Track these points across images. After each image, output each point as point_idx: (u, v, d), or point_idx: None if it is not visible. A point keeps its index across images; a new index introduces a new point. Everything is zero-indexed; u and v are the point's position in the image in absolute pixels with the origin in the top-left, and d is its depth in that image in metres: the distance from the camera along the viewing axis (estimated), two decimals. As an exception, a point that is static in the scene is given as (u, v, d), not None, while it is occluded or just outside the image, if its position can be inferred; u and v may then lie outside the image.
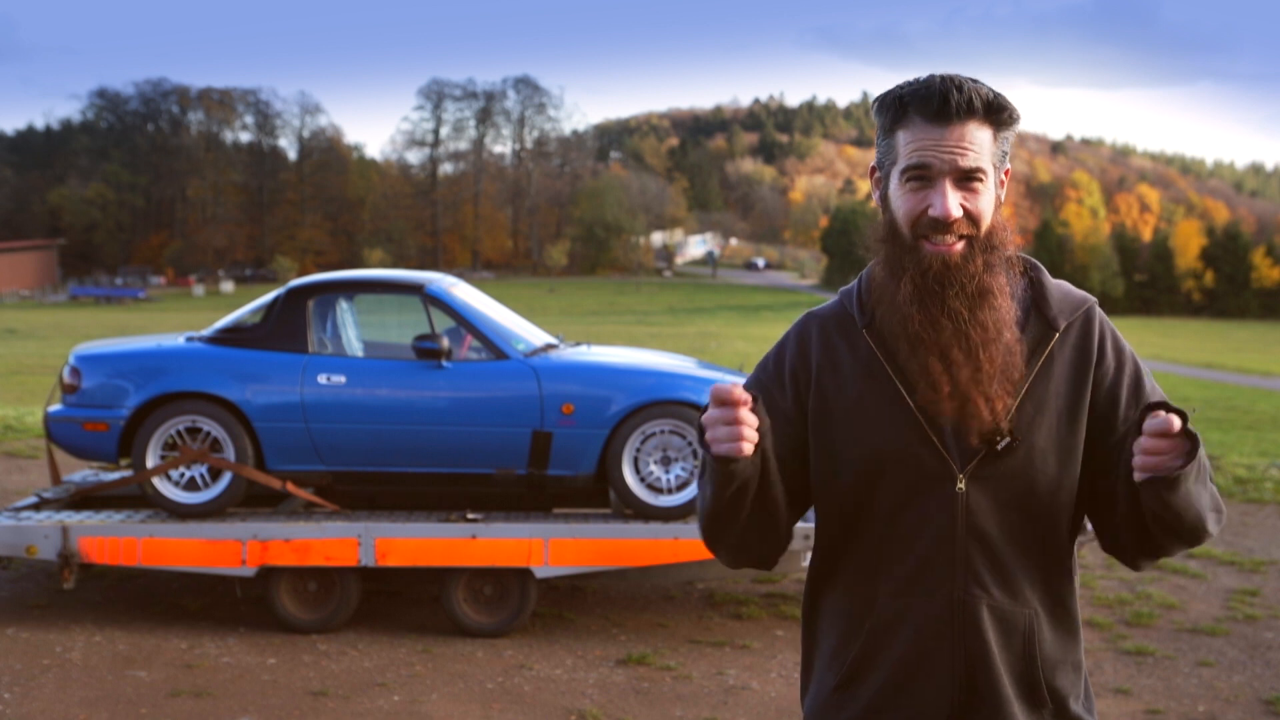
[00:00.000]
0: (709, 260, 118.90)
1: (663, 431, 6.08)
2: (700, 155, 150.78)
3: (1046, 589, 1.76)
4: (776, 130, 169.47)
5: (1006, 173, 1.78)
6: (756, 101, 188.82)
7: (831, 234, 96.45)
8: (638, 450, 6.09)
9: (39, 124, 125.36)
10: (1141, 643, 5.98)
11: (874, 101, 1.77)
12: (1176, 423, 1.55)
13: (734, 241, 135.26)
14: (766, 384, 1.85)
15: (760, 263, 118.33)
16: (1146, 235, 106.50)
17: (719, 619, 6.42)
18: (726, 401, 1.61)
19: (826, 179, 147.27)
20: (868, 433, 1.75)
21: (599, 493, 6.66)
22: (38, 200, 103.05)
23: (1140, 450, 1.58)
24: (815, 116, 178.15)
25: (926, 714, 1.73)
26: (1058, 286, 1.81)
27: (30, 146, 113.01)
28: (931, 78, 1.71)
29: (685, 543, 6.00)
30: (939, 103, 1.67)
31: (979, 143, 1.69)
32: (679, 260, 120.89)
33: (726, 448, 1.63)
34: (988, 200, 1.72)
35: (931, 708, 1.73)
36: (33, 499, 6.61)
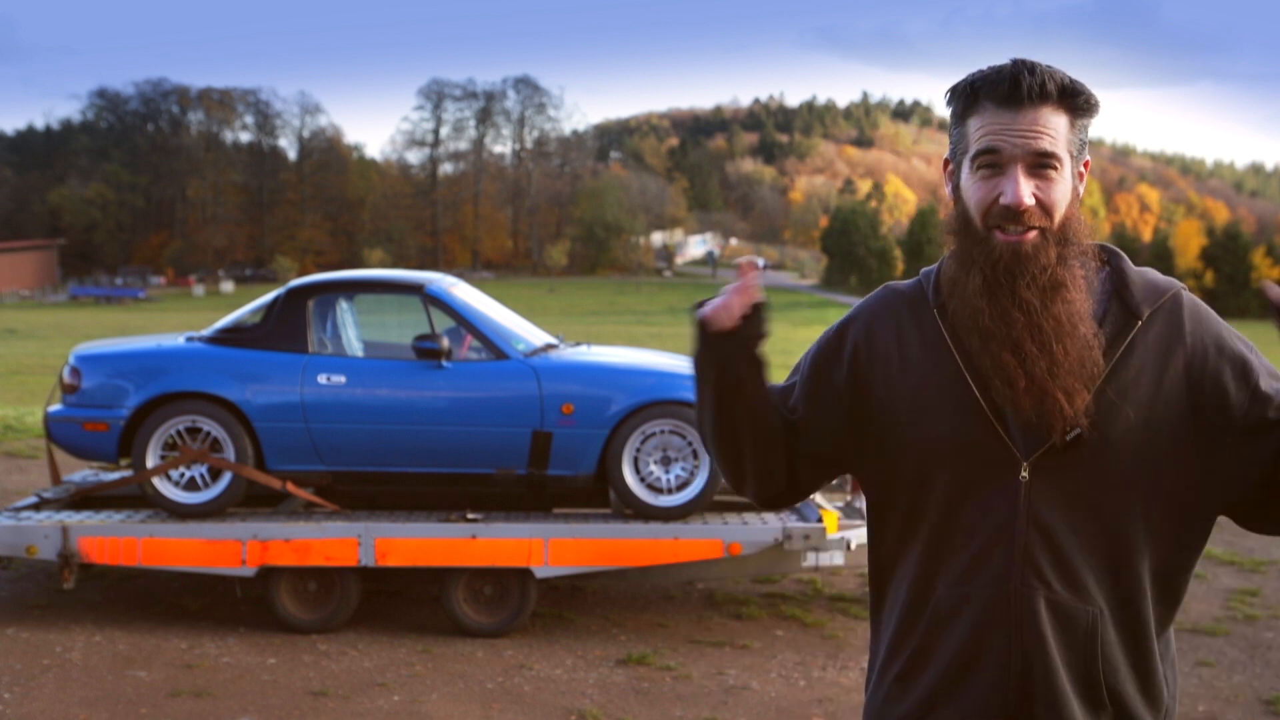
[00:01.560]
0: (709, 260, 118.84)
1: (663, 431, 6.08)
2: (700, 155, 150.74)
3: (1114, 588, 1.68)
4: (776, 130, 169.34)
5: (1085, 164, 1.70)
6: (756, 101, 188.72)
7: (831, 234, 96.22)
8: (638, 450, 6.09)
9: (39, 124, 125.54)
10: (1141, 643, 5.98)
11: (946, 92, 1.71)
12: None
13: (734, 241, 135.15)
14: (826, 352, 1.84)
15: (761, 262, 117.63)
16: (1146, 235, 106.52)
17: (719, 619, 6.42)
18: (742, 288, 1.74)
19: (826, 179, 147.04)
20: (929, 418, 1.70)
21: (599, 493, 6.66)
22: (38, 200, 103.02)
23: None
24: (815, 116, 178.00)
25: (982, 707, 1.68)
26: (1140, 274, 1.73)
27: (30, 146, 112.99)
28: (1004, 63, 1.65)
29: (685, 543, 6.00)
30: (1010, 85, 1.61)
31: (1053, 127, 1.62)
32: (679, 260, 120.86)
33: (708, 310, 1.76)
34: (1063, 190, 1.64)
35: (987, 700, 1.68)
36: (33, 499, 6.61)
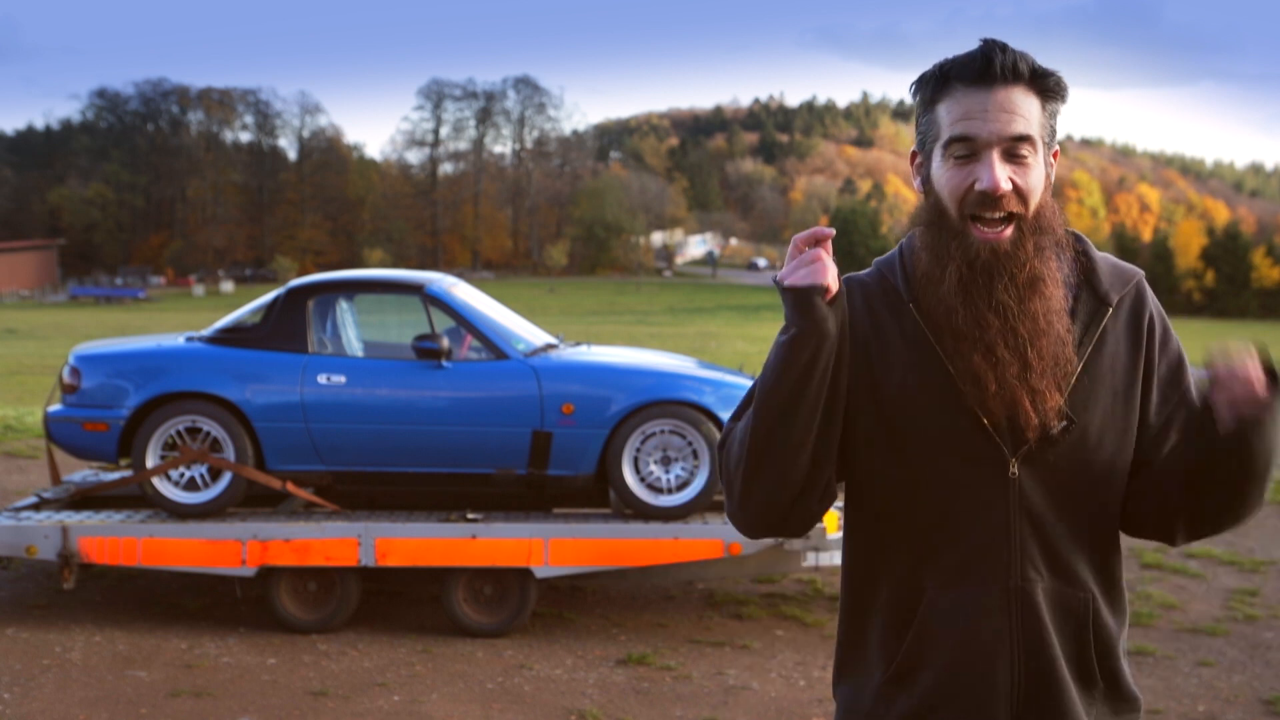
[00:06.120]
0: (709, 260, 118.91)
1: (663, 431, 6.08)
2: (700, 155, 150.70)
3: (1101, 570, 1.71)
4: (776, 130, 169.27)
5: (1055, 154, 1.68)
6: (756, 101, 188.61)
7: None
8: (638, 450, 6.09)
9: (39, 124, 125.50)
10: (1141, 643, 5.98)
11: (912, 84, 1.68)
12: (1254, 362, 1.53)
13: (734, 241, 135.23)
14: None
15: (762, 263, 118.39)
16: (1146, 235, 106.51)
17: (719, 619, 6.42)
18: (807, 242, 1.58)
19: (826, 179, 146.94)
20: (916, 415, 1.67)
21: (599, 493, 6.66)
22: (38, 200, 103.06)
23: (1224, 398, 1.55)
24: (815, 116, 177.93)
25: (987, 702, 1.67)
26: (1105, 260, 1.74)
27: (30, 146, 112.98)
28: (974, 47, 1.62)
29: (685, 543, 6.00)
30: (982, 63, 1.59)
31: (1026, 109, 1.59)
32: (679, 260, 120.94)
33: (806, 275, 1.56)
34: (1037, 176, 1.62)
35: (992, 696, 1.67)
36: (33, 499, 6.61)
